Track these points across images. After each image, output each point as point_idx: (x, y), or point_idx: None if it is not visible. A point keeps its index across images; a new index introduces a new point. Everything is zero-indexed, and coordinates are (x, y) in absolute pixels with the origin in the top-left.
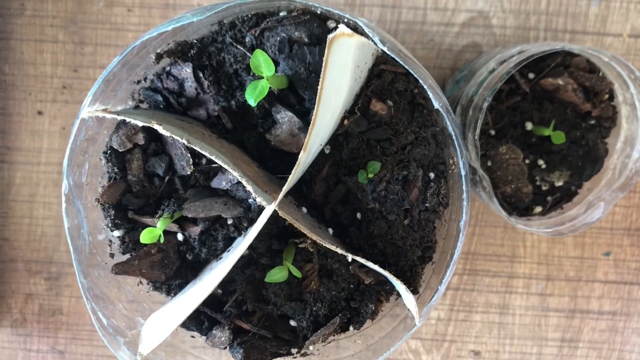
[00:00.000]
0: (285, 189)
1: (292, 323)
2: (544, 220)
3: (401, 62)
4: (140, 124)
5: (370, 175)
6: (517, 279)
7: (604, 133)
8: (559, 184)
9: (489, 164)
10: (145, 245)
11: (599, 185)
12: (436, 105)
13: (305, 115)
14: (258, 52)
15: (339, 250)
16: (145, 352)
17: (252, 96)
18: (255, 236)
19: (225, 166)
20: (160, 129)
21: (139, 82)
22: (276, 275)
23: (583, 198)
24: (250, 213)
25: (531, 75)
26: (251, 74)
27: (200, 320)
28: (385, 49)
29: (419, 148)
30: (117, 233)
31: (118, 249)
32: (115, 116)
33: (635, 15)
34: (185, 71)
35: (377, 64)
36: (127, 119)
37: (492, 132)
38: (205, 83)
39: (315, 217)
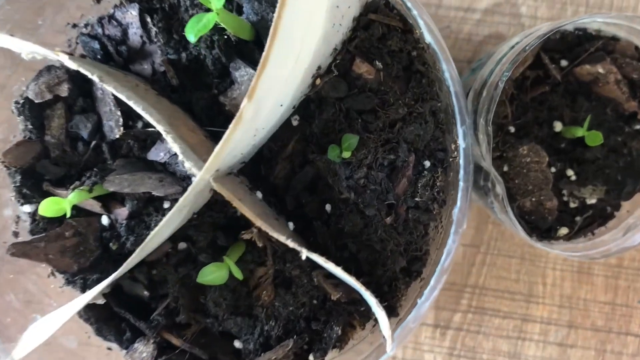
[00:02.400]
0: (218, 149)
1: (237, 344)
2: (569, 244)
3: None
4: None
5: (346, 154)
6: (532, 323)
7: None
8: (592, 201)
9: (505, 168)
10: (59, 224)
11: None
12: (442, 66)
13: None
14: None
15: (290, 243)
16: (17, 356)
17: (193, 31)
18: (176, 214)
19: (151, 119)
20: (65, 59)
21: (75, 25)
22: (211, 274)
23: (620, 222)
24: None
25: (564, 63)
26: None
27: (120, 329)
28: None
29: (413, 126)
30: (27, 208)
31: (28, 229)
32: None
33: None
34: (131, 14)
35: (364, 12)
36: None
37: (512, 129)
38: (153, 30)
39: (273, 205)
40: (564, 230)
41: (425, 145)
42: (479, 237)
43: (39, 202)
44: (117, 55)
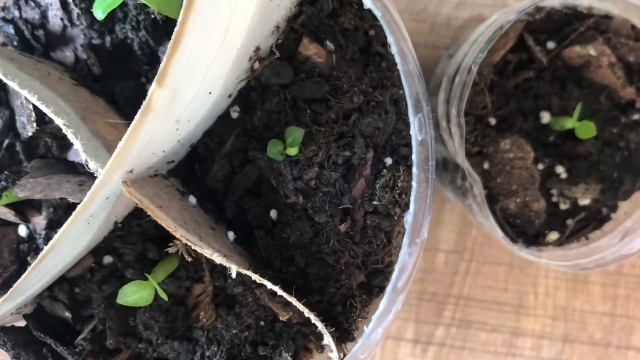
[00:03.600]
0: (122, 145)
1: None
2: (560, 252)
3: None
4: None
5: (292, 152)
6: (523, 337)
7: None
8: (585, 202)
9: (486, 166)
10: None
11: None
12: (389, 37)
13: None
14: None
15: (216, 258)
16: None
17: (101, 5)
18: (79, 226)
19: (47, 110)
20: None
21: None
22: (133, 294)
23: (616, 226)
24: None
25: (551, 45)
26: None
27: (42, 355)
28: None
29: (370, 117)
30: None
31: None
32: None
33: None
34: None
35: None
36: None
37: (492, 121)
38: (75, 12)
39: (210, 212)
40: (553, 235)
41: (386, 139)
42: (462, 242)
43: None
44: (34, 41)
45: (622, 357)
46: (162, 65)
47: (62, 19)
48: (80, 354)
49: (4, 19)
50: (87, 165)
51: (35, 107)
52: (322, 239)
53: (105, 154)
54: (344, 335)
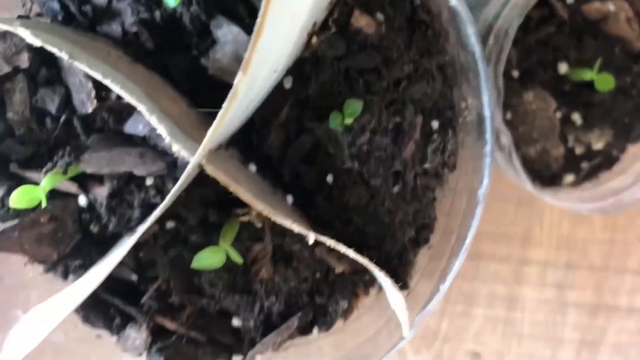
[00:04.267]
0: (211, 132)
1: (235, 322)
2: (576, 192)
3: None
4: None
5: (349, 121)
6: (530, 266)
7: None
8: (598, 146)
9: (509, 116)
10: (32, 210)
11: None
12: (467, 29)
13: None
14: None
15: (295, 228)
16: None
17: None
18: (170, 201)
19: (131, 98)
20: (27, 35)
21: None
22: (207, 259)
23: (626, 167)
24: (178, 170)
25: (570, 1)
26: None
27: (109, 315)
28: None
29: (419, 84)
30: None
31: None
32: None
33: None
34: None
35: None
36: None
37: (515, 74)
38: None
39: (268, 178)
40: (569, 178)
41: (433, 104)
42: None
43: (6, 186)
44: (81, 16)
45: (619, 279)
46: (247, 55)
47: None
48: (148, 312)
49: None
50: (169, 146)
51: (94, 83)
52: (378, 201)
53: (178, 133)
54: (401, 286)
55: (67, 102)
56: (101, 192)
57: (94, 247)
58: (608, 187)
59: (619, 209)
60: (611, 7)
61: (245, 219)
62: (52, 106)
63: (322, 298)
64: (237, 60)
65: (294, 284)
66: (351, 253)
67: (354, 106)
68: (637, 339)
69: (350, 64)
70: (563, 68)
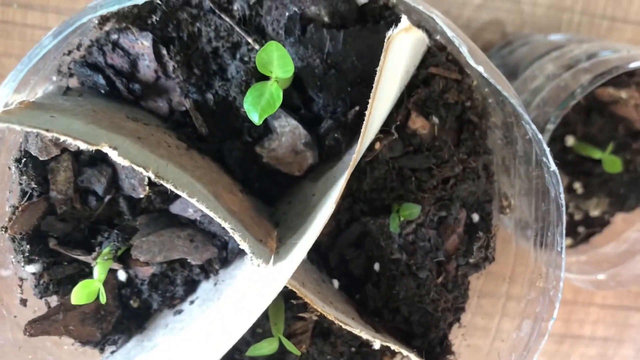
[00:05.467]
0: (301, 253)
1: None
2: (574, 256)
3: (494, 83)
4: (73, 141)
5: (400, 219)
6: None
7: None
8: (595, 213)
9: None
10: (71, 286)
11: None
12: (529, 125)
13: (313, 124)
14: (273, 45)
15: (364, 335)
16: None
17: (256, 108)
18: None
19: (215, 216)
20: (115, 155)
21: (69, 52)
22: (262, 349)
23: (616, 231)
24: (226, 253)
25: (585, 83)
26: (238, 56)
27: None
28: (482, 71)
29: (466, 183)
30: (31, 268)
31: (33, 291)
32: (29, 129)
33: None
34: (142, 44)
35: (424, 66)
36: (54, 134)
37: None
38: (171, 64)
39: (316, 263)
40: (567, 241)
41: (476, 199)
42: None
43: (44, 262)
44: (127, 93)
45: (585, 311)
46: (341, 184)
47: (155, 71)
48: None
49: (89, 65)
50: (252, 261)
51: None
52: (423, 291)
53: (247, 234)
54: None
55: (113, 182)
56: (145, 272)
57: (133, 320)
58: (602, 254)
59: (619, 284)
60: (623, 94)
61: (305, 315)
62: (99, 187)
63: None
64: (294, 151)
65: (329, 357)
66: (410, 354)
67: (412, 209)
68: None
69: (404, 164)
70: (570, 140)
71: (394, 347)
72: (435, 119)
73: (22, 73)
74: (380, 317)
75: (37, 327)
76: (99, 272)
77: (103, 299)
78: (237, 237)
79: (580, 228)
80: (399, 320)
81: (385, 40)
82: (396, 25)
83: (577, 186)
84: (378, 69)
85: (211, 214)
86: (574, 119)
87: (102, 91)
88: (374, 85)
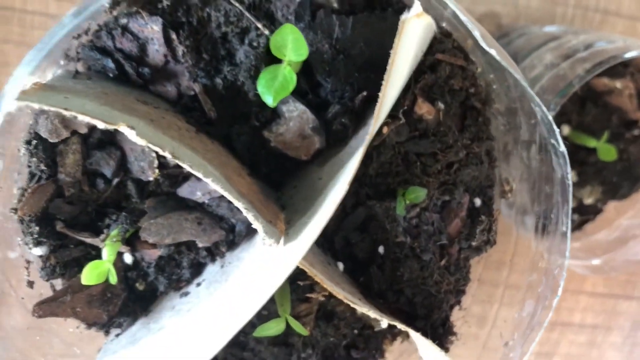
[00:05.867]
0: (312, 233)
1: None
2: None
3: (506, 65)
4: (91, 120)
5: (406, 202)
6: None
7: None
8: (588, 201)
9: None
10: (78, 268)
11: (636, 209)
12: (537, 106)
13: (321, 109)
14: (288, 28)
15: (372, 313)
16: None
17: (270, 91)
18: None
19: (230, 196)
20: (132, 135)
21: (79, 36)
22: (270, 329)
23: (609, 219)
24: (233, 235)
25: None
26: (247, 41)
27: None
28: (494, 54)
29: (470, 168)
30: (38, 251)
31: (39, 273)
32: (47, 107)
33: None
34: (151, 29)
35: (431, 52)
36: (72, 112)
37: None
38: (180, 49)
39: (321, 246)
40: None
41: (478, 184)
42: None
43: (50, 244)
44: (136, 76)
45: (575, 299)
46: (351, 168)
47: (164, 55)
48: None
49: (98, 49)
50: (264, 241)
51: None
52: (427, 273)
53: (258, 214)
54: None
55: (121, 165)
56: (151, 254)
57: (138, 303)
58: (595, 241)
59: (613, 269)
60: (618, 84)
61: (313, 296)
62: (108, 170)
63: (358, 352)
64: (301, 135)
65: (332, 339)
66: (415, 334)
67: (418, 193)
68: (586, 351)
69: (410, 148)
70: (565, 130)
71: (400, 326)
72: (441, 105)
73: (43, 52)
74: (384, 298)
75: (45, 308)
76: (108, 253)
77: (114, 280)
78: (250, 216)
79: (574, 215)
80: (402, 301)
81: (399, 25)
82: (408, 10)
83: (572, 174)
84: (392, 52)
85: (225, 194)
86: (569, 109)
87: (111, 75)
88: (387, 69)
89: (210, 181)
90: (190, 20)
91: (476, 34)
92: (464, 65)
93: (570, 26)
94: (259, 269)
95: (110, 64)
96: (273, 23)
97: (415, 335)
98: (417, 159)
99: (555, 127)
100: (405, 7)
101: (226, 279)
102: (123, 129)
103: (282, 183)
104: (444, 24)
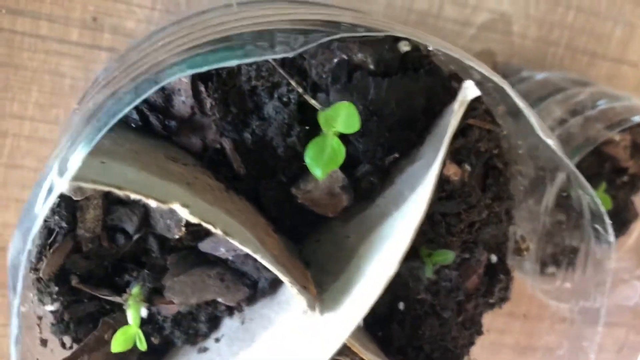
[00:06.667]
0: (362, 308)
1: None
2: (556, 282)
3: (563, 157)
4: (144, 199)
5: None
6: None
7: (633, 192)
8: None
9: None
10: (93, 325)
11: (622, 252)
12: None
13: (351, 168)
14: (344, 105)
15: None
16: None
17: (319, 164)
18: None
19: (274, 269)
20: (185, 213)
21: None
22: None
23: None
24: (255, 292)
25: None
26: (276, 96)
27: None
28: (552, 145)
29: (490, 227)
30: (50, 307)
31: (50, 329)
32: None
33: None
34: (180, 80)
35: (464, 117)
36: (126, 192)
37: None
38: (208, 101)
39: None
40: (551, 269)
41: (495, 241)
42: None
43: (63, 300)
44: (162, 128)
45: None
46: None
47: (191, 107)
48: None
49: None
50: (304, 311)
51: None
52: (446, 329)
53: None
54: None
55: (144, 221)
56: (169, 309)
57: (151, 356)
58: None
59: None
60: (617, 137)
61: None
62: (130, 226)
63: None
64: (330, 194)
65: None
66: None
67: (447, 255)
68: None
69: (437, 209)
70: (555, 184)
71: None
72: (467, 167)
73: (102, 132)
74: (404, 354)
75: None
76: (133, 315)
77: (143, 347)
78: (294, 291)
79: (561, 257)
80: (422, 358)
81: (457, 105)
82: (462, 89)
83: (562, 218)
84: (449, 129)
85: (268, 265)
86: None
87: (133, 125)
88: (444, 143)
89: (259, 257)
90: (220, 72)
91: (533, 121)
92: (492, 129)
93: (561, 68)
94: (295, 335)
95: (135, 115)
96: (305, 79)
97: None
98: (442, 218)
99: (606, 216)
100: (435, 68)
101: (252, 338)
102: (176, 207)
103: (303, 236)
104: None
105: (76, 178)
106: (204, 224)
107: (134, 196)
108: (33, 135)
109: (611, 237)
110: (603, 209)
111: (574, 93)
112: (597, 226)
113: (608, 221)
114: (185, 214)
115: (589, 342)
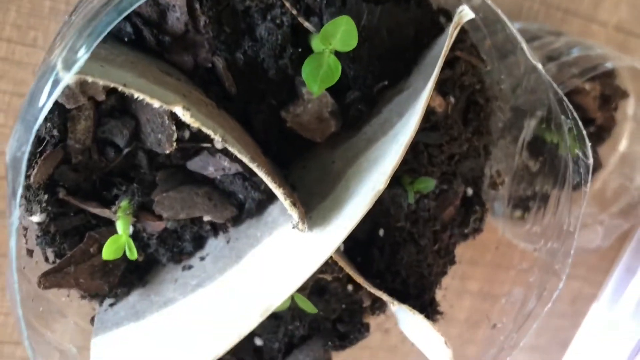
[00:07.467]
0: (349, 222)
1: (258, 342)
2: (525, 226)
3: (552, 83)
4: (149, 99)
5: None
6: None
7: (598, 143)
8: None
9: None
10: (79, 238)
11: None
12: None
13: (341, 94)
14: (344, 20)
15: (384, 296)
16: None
17: (315, 80)
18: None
19: (273, 185)
20: (187, 117)
21: None
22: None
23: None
24: (241, 212)
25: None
26: (269, 17)
27: None
28: (540, 68)
29: (469, 160)
30: (36, 218)
31: (35, 240)
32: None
33: (626, 8)
34: None
35: (452, 48)
36: (131, 90)
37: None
38: (202, 19)
39: None
40: (518, 213)
41: (472, 175)
42: None
43: (50, 211)
44: (155, 43)
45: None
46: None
47: (185, 24)
48: None
49: None
50: (294, 225)
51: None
52: (422, 256)
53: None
54: None
55: (135, 135)
56: (156, 226)
57: (136, 274)
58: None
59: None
60: (587, 86)
61: (328, 278)
62: (121, 139)
63: (343, 326)
64: (318, 118)
65: (321, 313)
66: (418, 316)
67: (428, 183)
68: None
69: (420, 139)
70: (532, 123)
71: (397, 304)
72: (452, 99)
73: (110, 27)
74: (381, 279)
75: (51, 279)
76: (122, 227)
77: (134, 255)
78: (287, 204)
79: (531, 202)
80: (398, 282)
81: (452, 28)
82: (457, 13)
83: (532, 164)
84: (443, 52)
85: (263, 177)
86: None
87: (126, 39)
88: (436, 67)
89: (255, 167)
90: None
91: (524, 46)
92: (477, 64)
93: (535, 20)
94: (282, 251)
95: (129, 28)
96: (299, 2)
97: (409, 312)
98: (424, 149)
99: (587, 139)
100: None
101: (237, 255)
102: (178, 110)
103: (289, 162)
104: None
105: (82, 72)
106: (204, 129)
107: (137, 95)
108: (9, 57)
109: (590, 160)
110: (584, 132)
111: (550, 41)
112: (577, 151)
113: (588, 143)
114: (186, 117)
115: (561, 265)
